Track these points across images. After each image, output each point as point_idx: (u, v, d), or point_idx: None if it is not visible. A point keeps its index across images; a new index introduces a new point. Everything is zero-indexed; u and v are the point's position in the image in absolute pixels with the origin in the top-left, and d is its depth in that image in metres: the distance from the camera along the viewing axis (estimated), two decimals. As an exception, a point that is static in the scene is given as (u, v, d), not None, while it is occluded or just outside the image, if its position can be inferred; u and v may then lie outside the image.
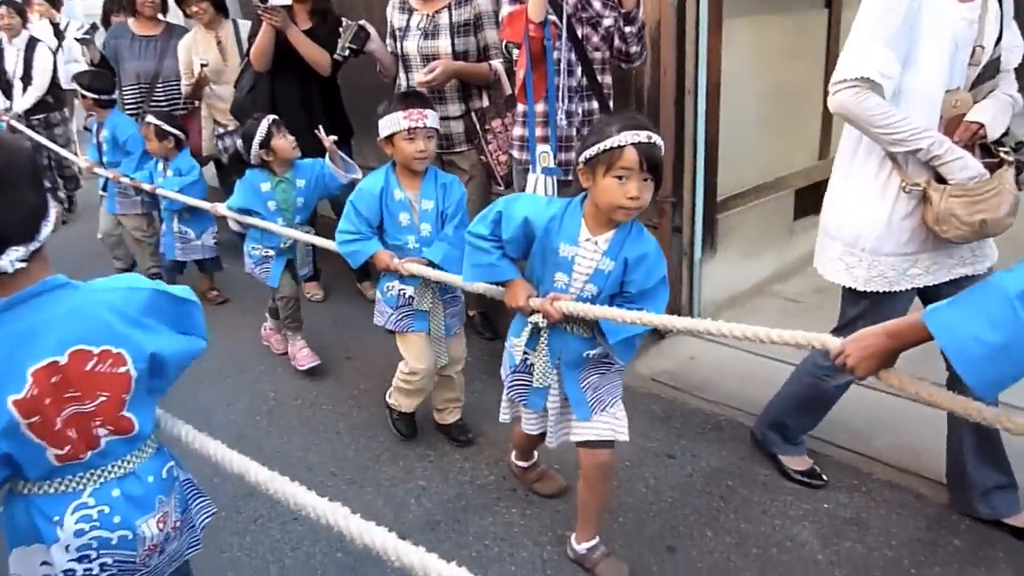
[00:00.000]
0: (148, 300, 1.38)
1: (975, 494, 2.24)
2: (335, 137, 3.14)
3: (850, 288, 2.19)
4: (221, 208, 3.40)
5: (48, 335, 1.24)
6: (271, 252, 3.32)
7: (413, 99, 2.51)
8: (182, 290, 1.48)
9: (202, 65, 4.10)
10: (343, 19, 3.55)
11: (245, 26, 4.11)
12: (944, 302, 1.31)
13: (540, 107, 2.68)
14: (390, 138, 2.47)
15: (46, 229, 1.25)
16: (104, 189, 4.42)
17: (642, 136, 1.75)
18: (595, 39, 2.70)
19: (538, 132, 2.69)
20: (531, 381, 2.05)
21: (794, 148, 4.09)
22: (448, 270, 2.45)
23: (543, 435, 2.18)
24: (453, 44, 3.14)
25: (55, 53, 6.07)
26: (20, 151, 1.26)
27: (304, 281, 4.05)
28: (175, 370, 1.43)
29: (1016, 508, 2.21)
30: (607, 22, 2.66)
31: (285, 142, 3.16)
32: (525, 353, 2.04)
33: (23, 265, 1.21)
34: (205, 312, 1.53)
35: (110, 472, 1.35)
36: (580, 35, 2.65)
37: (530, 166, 2.71)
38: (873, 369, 1.44)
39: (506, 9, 2.72)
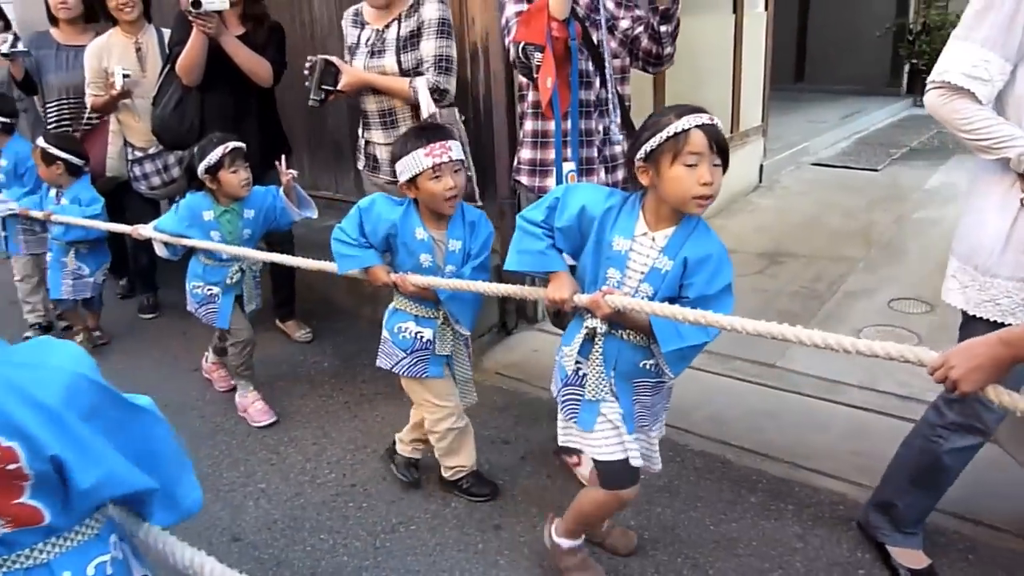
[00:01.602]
0: (77, 390, 1.06)
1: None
2: (295, 172, 2.92)
3: (969, 315, 1.89)
4: (145, 230, 3.00)
5: None
6: (216, 289, 2.96)
7: (432, 132, 2.19)
8: (140, 399, 1.20)
9: (124, 75, 3.57)
10: (278, 25, 3.34)
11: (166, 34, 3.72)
12: None
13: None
14: (412, 180, 2.15)
15: None
16: (3, 228, 3.76)
17: (704, 118, 1.62)
18: (612, 45, 2.39)
19: (551, 154, 2.43)
20: (583, 395, 1.88)
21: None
22: (451, 310, 2.26)
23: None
24: (399, 61, 2.76)
25: None
26: None
27: (282, 321, 3.83)
28: (92, 498, 1.11)
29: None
30: (624, 24, 2.41)
31: (235, 178, 2.81)
32: (577, 363, 1.87)
33: None
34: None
35: (12, 563, 1.09)
36: (595, 40, 2.33)
37: (555, 184, 2.40)
38: (981, 383, 1.29)
39: (512, 8, 2.39)
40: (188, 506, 1.27)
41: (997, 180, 1.80)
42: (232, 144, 2.80)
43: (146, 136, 3.72)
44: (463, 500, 2.49)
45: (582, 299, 1.78)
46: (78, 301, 3.70)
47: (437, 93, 2.70)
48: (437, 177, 2.11)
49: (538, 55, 2.22)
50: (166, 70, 3.37)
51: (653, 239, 1.73)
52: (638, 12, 2.42)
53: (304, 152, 4.25)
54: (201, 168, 2.79)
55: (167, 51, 3.58)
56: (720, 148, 1.64)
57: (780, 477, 2.54)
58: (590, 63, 2.32)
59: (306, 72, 2.75)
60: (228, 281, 2.94)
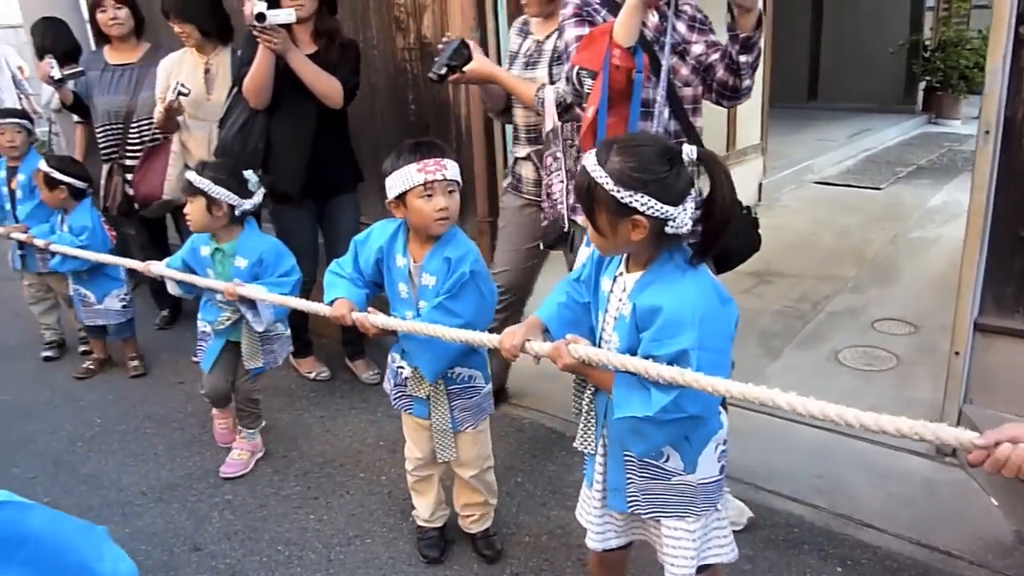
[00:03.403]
0: None
1: None
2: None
3: None
4: (155, 267, 2.82)
5: None
6: (209, 328, 2.78)
7: (427, 148, 1.98)
8: None
9: (181, 93, 3.25)
10: (352, 42, 3.20)
11: None
12: None
13: None
14: (402, 197, 1.98)
15: None
16: (21, 246, 3.71)
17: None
18: (684, 72, 2.15)
19: None
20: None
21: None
22: (411, 354, 2.10)
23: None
24: (551, 74, 2.60)
25: None
26: None
27: (296, 358, 3.56)
28: None
29: None
30: (696, 50, 2.16)
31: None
32: (576, 410, 1.72)
33: None
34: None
35: None
36: (664, 66, 2.06)
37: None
38: None
39: (573, 32, 2.14)
40: None
41: None
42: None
43: (201, 159, 3.39)
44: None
45: (543, 347, 1.60)
46: (104, 328, 3.68)
47: (562, 107, 2.49)
48: (428, 196, 1.95)
49: (589, 82, 1.96)
50: (234, 91, 3.20)
51: (625, 281, 1.54)
52: (712, 37, 2.18)
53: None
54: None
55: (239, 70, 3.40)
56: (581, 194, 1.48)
57: (739, 498, 2.53)
58: (655, 91, 2.05)
59: (440, 47, 2.60)
60: (218, 325, 2.72)
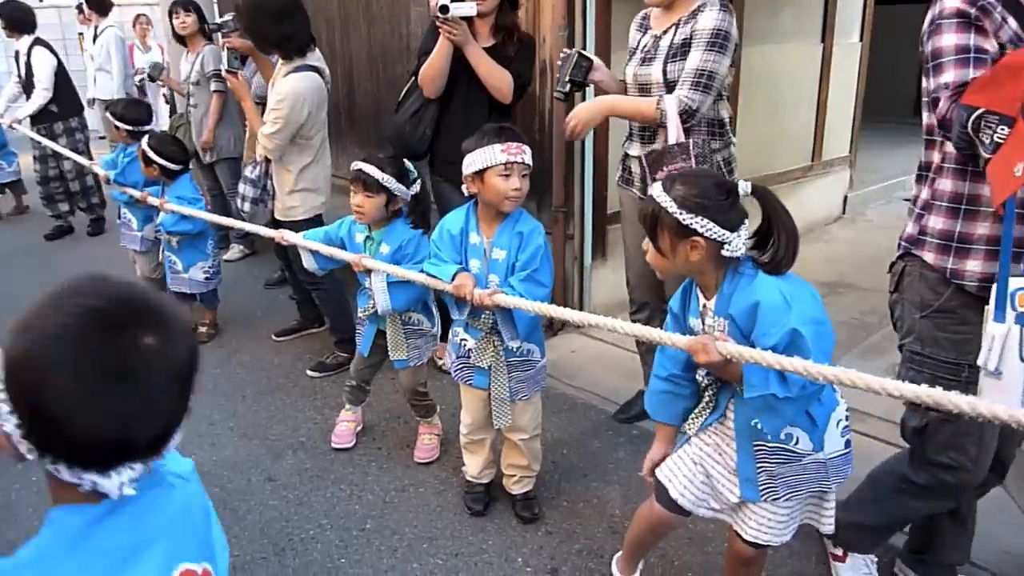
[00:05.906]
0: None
1: None
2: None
3: None
4: (289, 235, 2.86)
5: (152, 553, 0.89)
6: (362, 315, 2.84)
7: (510, 132, 2.20)
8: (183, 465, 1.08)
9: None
10: (529, 38, 3.19)
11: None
12: None
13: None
14: (480, 173, 2.19)
15: (178, 437, 0.93)
16: (119, 216, 4.16)
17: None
18: None
19: (978, 228, 1.75)
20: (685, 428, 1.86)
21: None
22: (499, 319, 2.23)
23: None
24: (665, 71, 2.51)
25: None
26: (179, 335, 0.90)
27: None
28: None
29: None
30: None
31: (353, 199, 2.60)
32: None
33: (133, 491, 0.87)
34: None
35: None
36: None
37: (994, 308, 1.58)
38: None
39: (951, 38, 1.68)
40: None
41: None
42: (356, 166, 2.59)
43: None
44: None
45: (680, 340, 1.66)
46: (194, 295, 3.89)
47: (686, 113, 2.42)
48: (506, 175, 2.16)
49: (1004, 130, 1.54)
50: (411, 80, 3.27)
51: (709, 308, 1.71)
52: None
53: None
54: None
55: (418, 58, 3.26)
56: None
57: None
58: None
59: (559, 63, 2.62)
60: (364, 312, 2.79)
